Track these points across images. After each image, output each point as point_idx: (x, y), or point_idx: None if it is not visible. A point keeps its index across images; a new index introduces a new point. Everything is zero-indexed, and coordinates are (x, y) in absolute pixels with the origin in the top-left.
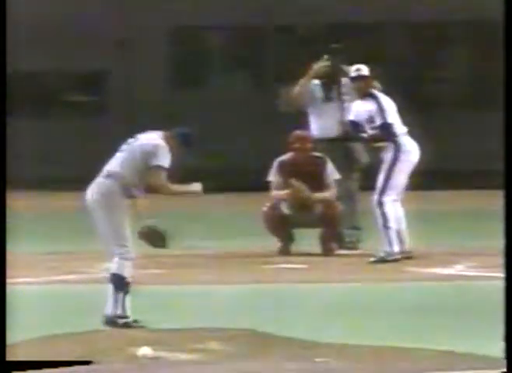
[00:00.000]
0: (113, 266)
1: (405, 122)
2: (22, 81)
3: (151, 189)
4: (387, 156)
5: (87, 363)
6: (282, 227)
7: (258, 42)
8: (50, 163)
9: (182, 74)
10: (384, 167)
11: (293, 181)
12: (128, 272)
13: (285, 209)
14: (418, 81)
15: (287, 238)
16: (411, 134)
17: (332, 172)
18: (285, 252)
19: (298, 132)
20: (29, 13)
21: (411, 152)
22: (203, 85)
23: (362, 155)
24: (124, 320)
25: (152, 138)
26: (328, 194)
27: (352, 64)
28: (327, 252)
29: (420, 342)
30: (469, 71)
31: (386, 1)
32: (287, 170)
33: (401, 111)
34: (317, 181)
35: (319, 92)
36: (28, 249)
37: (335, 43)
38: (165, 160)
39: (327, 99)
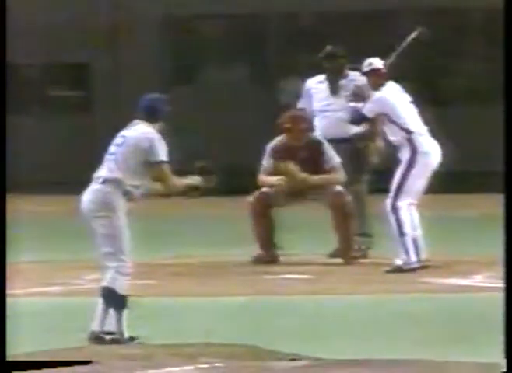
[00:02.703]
0: (107, 279)
1: (424, 119)
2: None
3: (152, 190)
4: (403, 157)
5: (87, 363)
6: (267, 222)
7: (258, 31)
8: (27, 164)
9: (175, 67)
10: (399, 169)
11: (283, 164)
12: (121, 287)
13: (274, 199)
14: (436, 74)
15: (268, 240)
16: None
17: (333, 156)
18: (264, 258)
19: (291, 112)
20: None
21: (429, 154)
22: (198, 79)
23: (373, 155)
24: (111, 336)
25: (142, 133)
26: (331, 176)
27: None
28: (345, 258)
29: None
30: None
31: None
32: (280, 155)
33: (418, 106)
34: (314, 167)
35: (323, 89)
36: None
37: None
38: (164, 153)
39: (333, 95)
